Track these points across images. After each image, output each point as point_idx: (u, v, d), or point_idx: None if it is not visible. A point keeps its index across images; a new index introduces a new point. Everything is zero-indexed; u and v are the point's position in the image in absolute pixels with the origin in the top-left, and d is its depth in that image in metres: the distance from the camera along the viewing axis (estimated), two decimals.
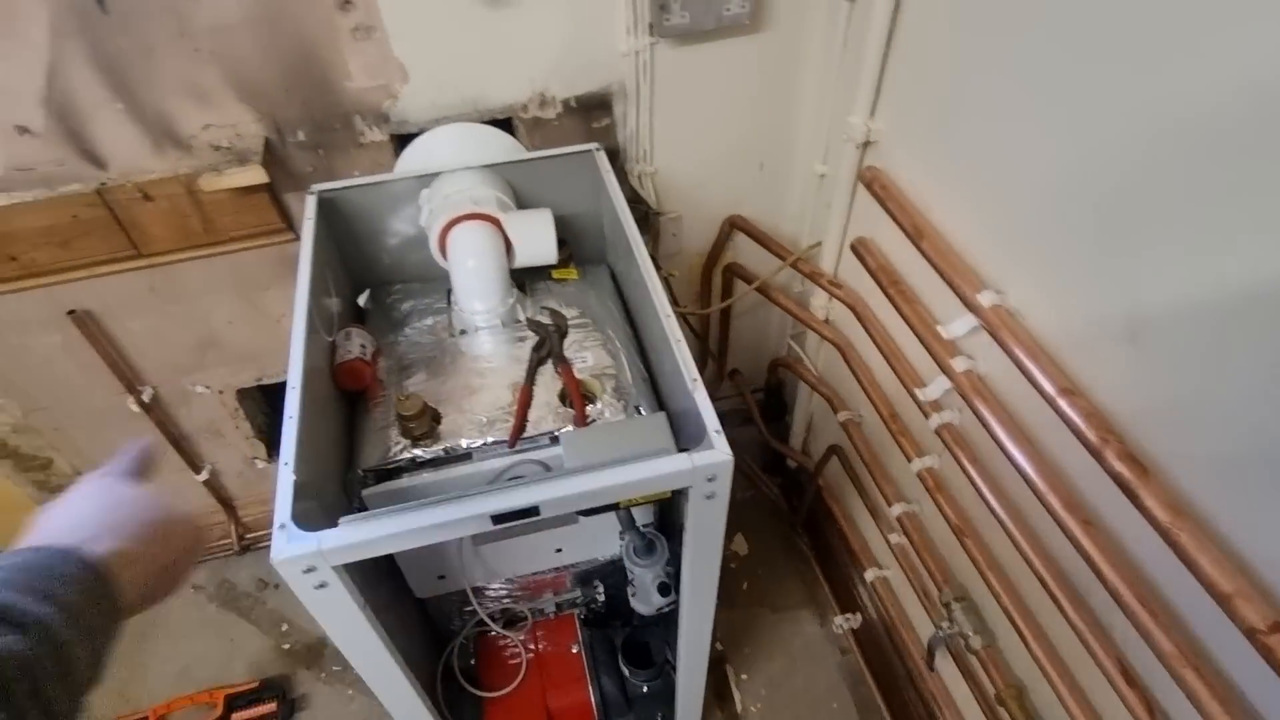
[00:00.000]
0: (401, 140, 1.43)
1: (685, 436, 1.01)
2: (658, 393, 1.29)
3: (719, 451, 0.92)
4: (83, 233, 1.35)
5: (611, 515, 1.42)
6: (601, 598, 1.64)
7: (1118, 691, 0.95)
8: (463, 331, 1.38)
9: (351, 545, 0.86)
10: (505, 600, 1.58)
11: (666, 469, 0.92)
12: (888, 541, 1.57)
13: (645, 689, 1.57)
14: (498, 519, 0.89)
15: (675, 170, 1.61)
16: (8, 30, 1.11)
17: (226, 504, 1.99)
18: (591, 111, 1.47)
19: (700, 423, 0.96)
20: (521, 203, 1.44)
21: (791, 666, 1.86)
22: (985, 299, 1.05)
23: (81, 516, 0.57)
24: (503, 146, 1.47)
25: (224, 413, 1.79)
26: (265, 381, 1.75)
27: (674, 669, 1.59)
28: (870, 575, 1.69)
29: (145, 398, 1.65)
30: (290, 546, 0.84)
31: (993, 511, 1.13)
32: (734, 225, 1.71)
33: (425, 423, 1.20)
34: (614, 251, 1.56)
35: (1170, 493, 0.81)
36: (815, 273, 1.57)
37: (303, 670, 1.89)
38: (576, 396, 1.23)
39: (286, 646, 1.94)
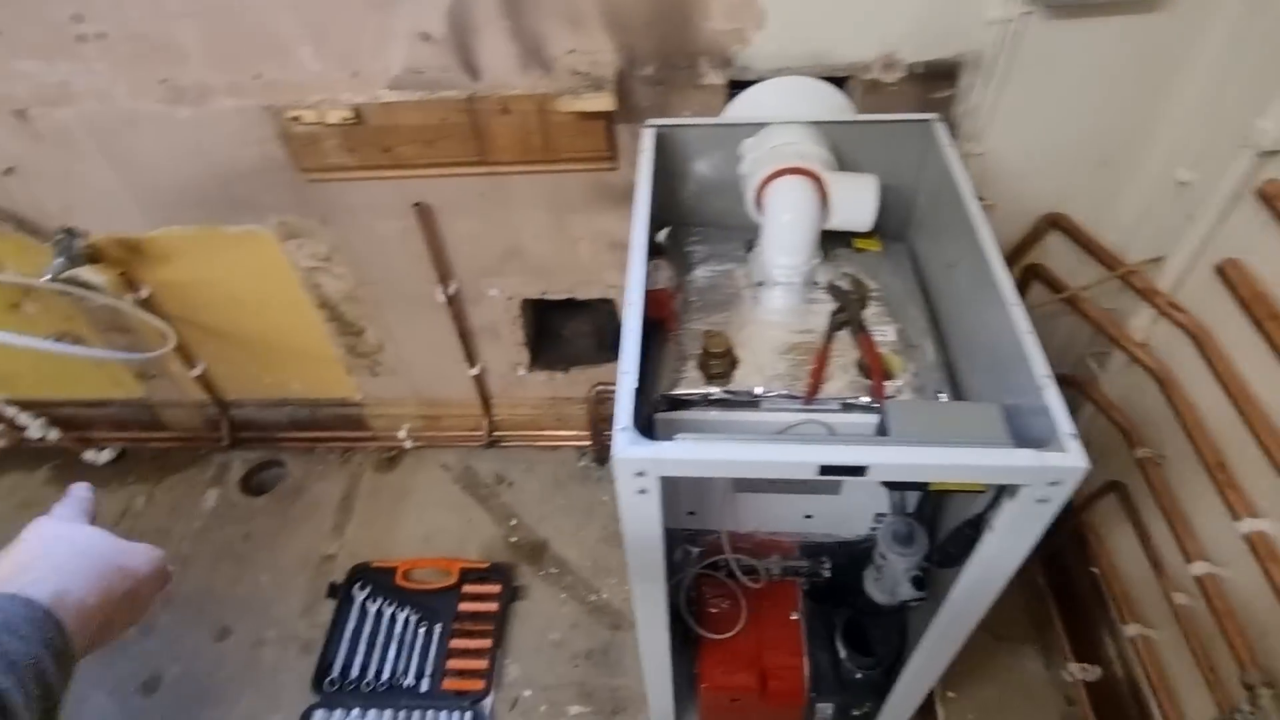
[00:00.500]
0: (733, 87, 1.45)
1: (1019, 433, 0.96)
2: (955, 383, 1.23)
3: (1072, 456, 0.86)
4: (445, 135, 1.51)
5: (872, 495, 1.39)
6: (826, 574, 1.62)
7: None
8: (760, 283, 1.39)
9: (683, 461, 0.90)
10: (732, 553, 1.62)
11: (1009, 462, 0.87)
12: (1169, 600, 1.40)
13: (859, 675, 1.54)
14: (825, 470, 0.90)
15: (1003, 155, 1.50)
16: None
17: (485, 400, 2.20)
18: (934, 81, 1.40)
19: (1050, 422, 0.89)
20: (840, 164, 1.41)
21: (1005, 700, 1.75)
22: None
23: (40, 558, 0.56)
24: (834, 105, 1.45)
25: (506, 318, 1.96)
26: (549, 296, 1.88)
27: (891, 663, 1.55)
28: (1131, 631, 1.52)
29: (450, 292, 1.85)
30: (630, 449, 0.90)
31: None
32: (1053, 224, 1.57)
33: (725, 363, 1.23)
34: (919, 230, 1.50)
35: None
36: (1149, 290, 1.41)
37: (525, 564, 2.06)
38: (876, 369, 1.20)
39: (514, 540, 2.12)
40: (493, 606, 1.95)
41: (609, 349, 2.16)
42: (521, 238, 1.74)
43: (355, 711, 1.78)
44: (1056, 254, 1.63)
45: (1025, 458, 0.87)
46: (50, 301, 1.97)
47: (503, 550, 2.10)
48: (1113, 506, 1.58)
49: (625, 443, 0.91)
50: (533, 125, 1.48)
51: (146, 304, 1.91)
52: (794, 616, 1.59)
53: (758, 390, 1.21)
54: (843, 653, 1.55)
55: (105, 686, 1.89)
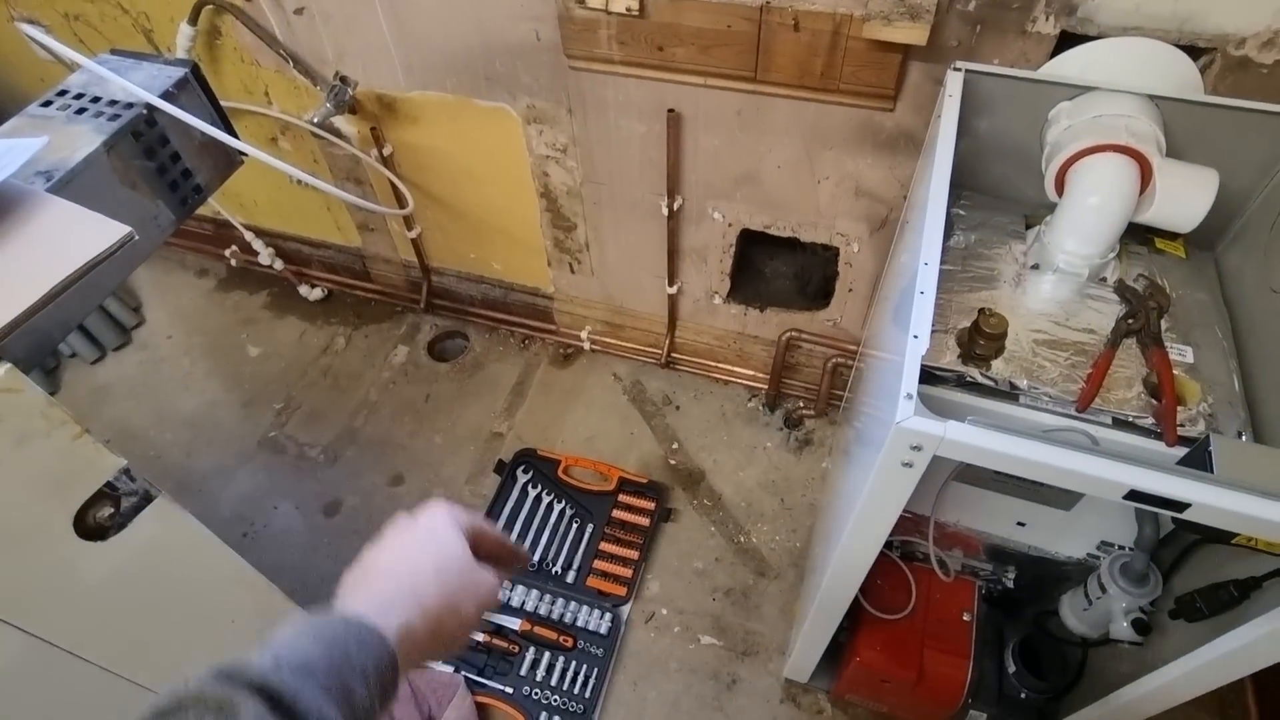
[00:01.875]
0: (1064, 41, 1.28)
1: None
2: (1255, 422, 1.08)
3: None
4: (724, 43, 1.43)
5: (1107, 520, 1.27)
6: (1009, 584, 1.53)
7: None
8: (1035, 265, 1.26)
9: (968, 446, 0.83)
10: (914, 536, 1.55)
11: None
12: None
13: (1023, 695, 1.46)
14: (1133, 495, 0.80)
15: None
16: None
17: (672, 319, 2.18)
18: None
19: None
20: (1167, 150, 1.23)
21: None
22: None
23: (407, 574, 0.55)
24: (1179, 79, 1.25)
25: (720, 244, 1.91)
26: (772, 231, 1.81)
27: (1061, 692, 1.45)
28: None
29: (674, 206, 1.81)
30: (916, 420, 0.84)
31: None
32: None
33: (994, 348, 1.13)
34: (1239, 242, 1.30)
35: None
36: None
37: (679, 489, 2.08)
38: (1170, 391, 1.06)
39: (673, 463, 2.13)
40: (644, 520, 1.98)
41: (809, 296, 2.07)
42: (764, 165, 1.66)
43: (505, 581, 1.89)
44: None
45: None
46: (302, 141, 2.10)
47: (661, 470, 2.12)
48: None
49: (910, 411, 0.85)
50: (821, 47, 1.38)
51: (387, 162, 2.00)
52: (966, 617, 1.52)
53: (1021, 383, 1.11)
54: (1012, 668, 1.47)
55: (294, 499, 2.10)
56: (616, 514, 2.00)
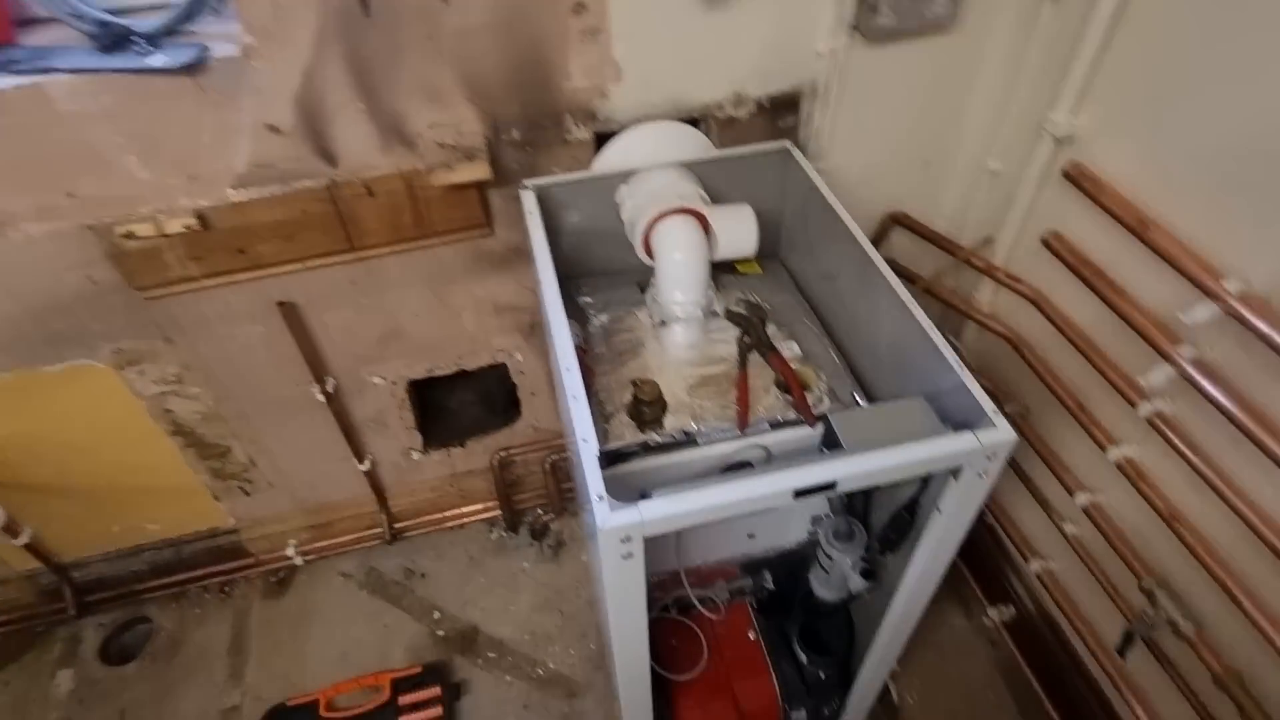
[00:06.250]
0: (599, 139, 1.49)
1: (943, 418, 1.05)
2: (861, 384, 1.33)
3: (1002, 431, 0.96)
4: (306, 227, 1.41)
5: (808, 501, 1.46)
6: (770, 586, 1.67)
7: None
8: (662, 322, 1.43)
9: (669, 517, 0.90)
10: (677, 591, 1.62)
11: (954, 448, 0.96)
12: (1061, 532, 1.59)
13: (822, 675, 1.60)
14: (799, 493, 0.93)
15: (845, 167, 1.64)
16: (279, 35, 1.17)
17: (379, 493, 2.05)
18: (780, 111, 1.52)
19: (974, 403, 0.99)
20: (710, 198, 1.49)
21: (942, 659, 1.89)
22: (1231, 285, 1.08)
23: None
24: (696, 144, 1.52)
25: (392, 404, 1.85)
26: (437, 373, 1.81)
27: (847, 655, 1.62)
28: (1035, 567, 1.71)
29: (329, 388, 1.72)
30: (614, 516, 0.89)
31: (1222, 496, 1.15)
32: (896, 221, 1.74)
33: (658, 409, 1.25)
34: (791, 248, 1.61)
35: None
36: (989, 267, 1.61)
37: (458, 656, 1.94)
38: (795, 384, 1.27)
39: (441, 633, 1.99)
40: (436, 711, 1.81)
41: (500, 413, 2.10)
42: (400, 319, 1.66)
43: None
44: (900, 248, 1.81)
45: (966, 441, 0.96)
46: None
47: (431, 647, 1.96)
48: None
49: (606, 511, 0.89)
50: (402, 204, 1.43)
51: None
52: (751, 636, 1.63)
53: (692, 428, 1.23)
54: (803, 657, 1.60)
55: None
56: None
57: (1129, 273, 1.29)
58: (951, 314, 1.79)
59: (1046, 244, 1.43)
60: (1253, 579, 1.18)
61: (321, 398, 1.71)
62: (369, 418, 1.86)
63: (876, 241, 1.80)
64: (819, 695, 1.60)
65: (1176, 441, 1.23)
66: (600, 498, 0.91)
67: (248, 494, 1.94)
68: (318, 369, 1.67)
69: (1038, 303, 1.51)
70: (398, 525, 2.13)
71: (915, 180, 1.71)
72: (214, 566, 2.07)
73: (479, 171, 1.33)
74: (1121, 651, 1.45)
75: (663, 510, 0.90)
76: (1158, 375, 1.23)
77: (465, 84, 1.32)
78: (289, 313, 1.55)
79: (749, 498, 0.92)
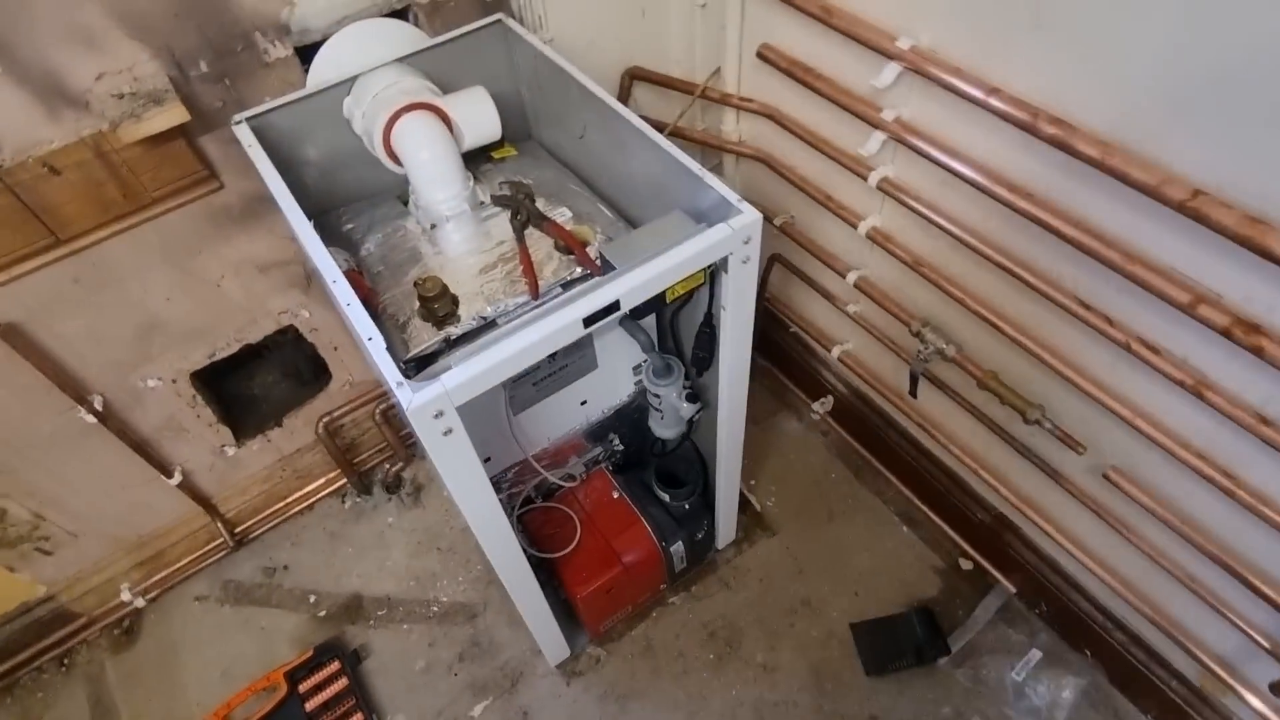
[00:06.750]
0: (305, 54, 1.39)
1: (703, 220, 1.13)
2: (633, 224, 1.40)
3: (749, 214, 1.05)
4: None
5: (624, 350, 1.53)
6: (619, 447, 1.76)
7: (1081, 319, 1.20)
8: (433, 226, 1.40)
9: (473, 378, 0.92)
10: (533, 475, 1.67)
11: (714, 239, 1.04)
12: (847, 314, 1.79)
13: (686, 506, 1.73)
14: (588, 320, 0.98)
15: (569, 34, 1.65)
16: None
17: (206, 503, 1.90)
18: None
19: (721, 199, 1.08)
20: (445, 88, 1.45)
21: (786, 461, 2.10)
22: (904, 43, 1.22)
23: None
24: (409, 37, 1.46)
25: (181, 404, 1.70)
26: (219, 356, 1.67)
27: (703, 481, 1.76)
28: (836, 352, 1.91)
29: (98, 406, 1.54)
30: (419, 395, 0.90)
31: (946, 230, 1.35)
32: (634, 76, 1.79)
33: (447, 303, 1.24)
34: (538, 121, 1.61)
35: (1094, 135, 1.03)
36: (724, 96, 1.70)
37: (349, 626, 1.90)
38: (574, 242, 1.30)
39: (322, 614, 1.93)
40: (342, 684, 1.77)
41: (311, 381, 2.00)
42: (152, 307, 1.50)
43: None
44: (643, 102, 1.87)
45: (721, 231, 1.04)
46: None
47: (317, 630, 1.90)
48: (781, 275, 1.94)
49: (410, 394, 0.90)
50: (99, 175, 1.27)
51: None
52: (615, 495, 1.72)
53: (488, 312, 1.24)
54: (665, 497, 1.73)
55: None
56: (310, 705, 1.75)
57: (829, 61, 1.42)
58: (709, 152, 1.89)
59: (762, 57, 1.53)
60: (986, 290, 1.40)
61: (92, 419, 1.54)
62: (160, 426, 1.70)
63: (622, 99, 1.84)
64: (688, 524, 1.73)
65: (904, 198, 1.40)
66: (400, 384, 0.91)
67: (49, 553, 1.73)
68: (73, 389, 1.49)
69: (772, 116, 1.63)
70: (239, 529, 2.00)
71: (638, 32, 1.75)
72: (40, 644, 1.85)
73: (174, 116, 1.20)
74: (913, 393, 1.69)
75: (465, 374, 0.92)
76: (873, 143, 1.38)
77: (121, 19, 1.16)
78: (10, 335, 1.36)
79: (542, 337, 0.95)
